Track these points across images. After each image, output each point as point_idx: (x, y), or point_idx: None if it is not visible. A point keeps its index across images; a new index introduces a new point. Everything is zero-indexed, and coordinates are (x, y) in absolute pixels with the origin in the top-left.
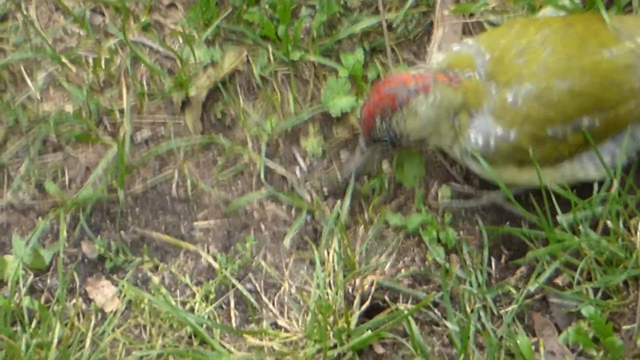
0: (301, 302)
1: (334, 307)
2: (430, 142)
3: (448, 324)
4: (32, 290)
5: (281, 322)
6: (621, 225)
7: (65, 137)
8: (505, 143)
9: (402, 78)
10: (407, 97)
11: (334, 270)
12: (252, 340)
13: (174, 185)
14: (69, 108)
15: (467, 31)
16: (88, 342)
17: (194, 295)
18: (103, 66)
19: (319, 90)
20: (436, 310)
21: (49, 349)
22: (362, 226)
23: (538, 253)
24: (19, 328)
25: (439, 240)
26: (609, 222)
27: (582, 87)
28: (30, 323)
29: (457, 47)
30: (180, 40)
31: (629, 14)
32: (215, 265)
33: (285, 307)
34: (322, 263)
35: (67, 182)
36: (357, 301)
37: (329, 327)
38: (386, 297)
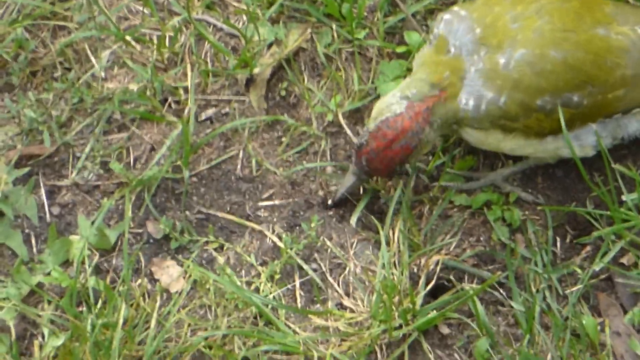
0: (366, 282)
1: (399, 287)
2: None
3: (513, 304)
4: (98, 271)
5: (346, 302)
6: None
7: (130, 116)
8: (494, 106)
9: (403, 127)
10: (418, 138)
11: (399, 250)
12: (317, 321)
13: (238, 165)
14: (134, 86)
15: None
16: (153, 322)
17: (259, 275)
18: (167, 44)
19: None
20: (501, 290)
21: (114, 329)
22: (428, 206)
23: (603, 232)
24: (84, 308)
25: (504, 220)
26: None
27: (575, 61)
28: (96, 303)
29: (448, 16)
30: (244, 18)
31: (627, 3)
32: (281, 245)
33: (351, 287)
34: (388, 243)
35: (132, 162)
36: (422, 281)
37: (394, 308)
38: (451, 277)
